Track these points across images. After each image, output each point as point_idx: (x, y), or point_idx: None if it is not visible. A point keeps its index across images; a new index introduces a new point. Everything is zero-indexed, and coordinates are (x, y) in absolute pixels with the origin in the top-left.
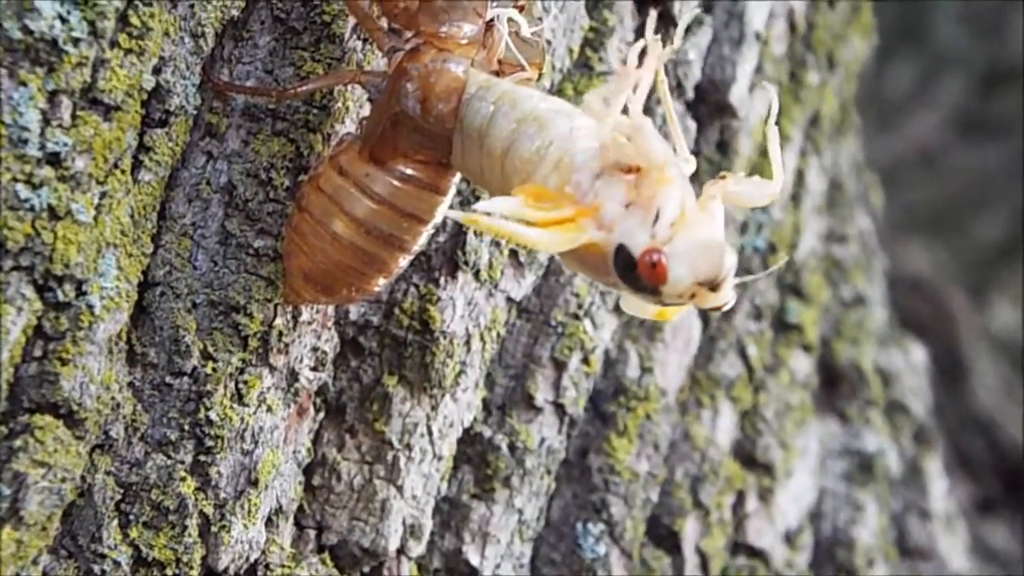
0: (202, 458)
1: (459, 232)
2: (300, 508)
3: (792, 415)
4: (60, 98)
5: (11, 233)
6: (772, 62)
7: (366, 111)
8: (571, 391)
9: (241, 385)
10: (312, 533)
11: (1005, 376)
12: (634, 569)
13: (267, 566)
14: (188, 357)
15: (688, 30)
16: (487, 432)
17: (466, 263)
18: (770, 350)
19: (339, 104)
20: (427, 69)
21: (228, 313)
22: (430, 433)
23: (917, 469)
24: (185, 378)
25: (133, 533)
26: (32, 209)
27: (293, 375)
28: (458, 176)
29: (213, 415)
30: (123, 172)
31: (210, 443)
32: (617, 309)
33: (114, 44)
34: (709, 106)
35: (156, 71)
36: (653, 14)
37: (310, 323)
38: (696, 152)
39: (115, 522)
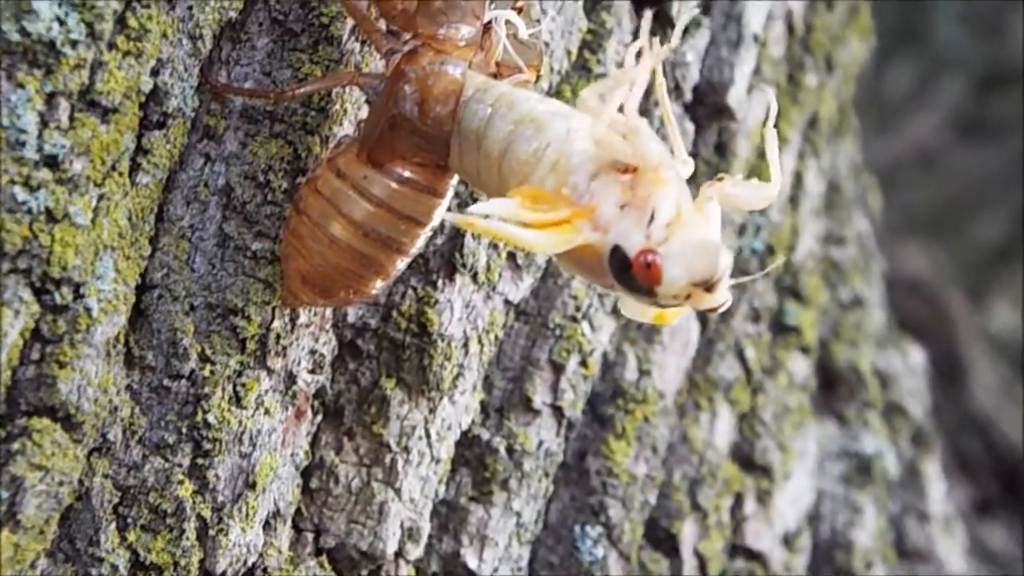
0: (200, 461)
1: (457, 235)
2: (298, 511)
3: (790, 417)
4: (58, 100)
5: (8, 236)
6: (770, 64)
7: (364, 113)
8: (569, 394)
9: (239, 388)
10: (310, 536)
11: (1004, 377)
12: (632, 572)
13: (265, 569)
14: (186, 360)
15: (686, 31)
16: (485, 435)
17: (464, 266)
18: (768, 352)
19: (337, 106)
20: (425, 71)
21: (226, 316)
22: (428, 436)
23: (915, 471)
24: (183, 381)
25: (131, 536)
26: (30, 212)
27: (291, 378)
28: (456, 178)
29: (211, 418)
30: (121, 174)
31: (208, 446)
32: (615, 311)
33: (112, 46)
34: (707, 108)
35: (154, 73)
36: (648, 14)
37: (308, 326)
38: (694, 154)
39: (113, 525)
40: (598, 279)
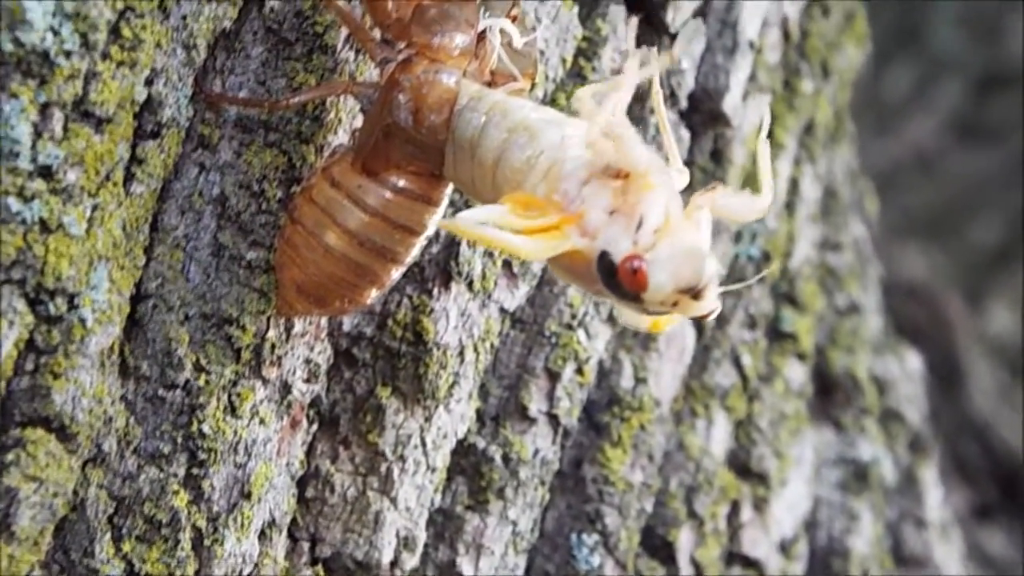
0: (195, 471)
1: (452, 243)
2: (293, 521)
3: (787, 424)
4: (52, 111)
5: (2, 246)
6: (766, 71)
7: (359, 122)
8: (565, 401)
9: (234, 397)
10: (305, 546)
11: (1002, 381)
12: None
13: None
14: (181, 370)
15: (680, 39)
16: (481, 443)
17: (459, 274)
18: (764, 359)
19: (331, 115)
20: (419, 80)
21: (221, 325)
22: (424, 444)
23: (912, 477)
24: (178, 391)
25: (126, 547)
26: (23, 222)
27: (286, 387)
28: (451, 187)
29: (206, 428)
30: (115, 184)
31: (203, 456)
32: (611, 319)
33: (106, 56)
34: (703, 115)
35: (148, 83)
36: (634, 21)
37: (303, 335)
38: (690, 161)
39: (108, 536)
40: (588, 285)
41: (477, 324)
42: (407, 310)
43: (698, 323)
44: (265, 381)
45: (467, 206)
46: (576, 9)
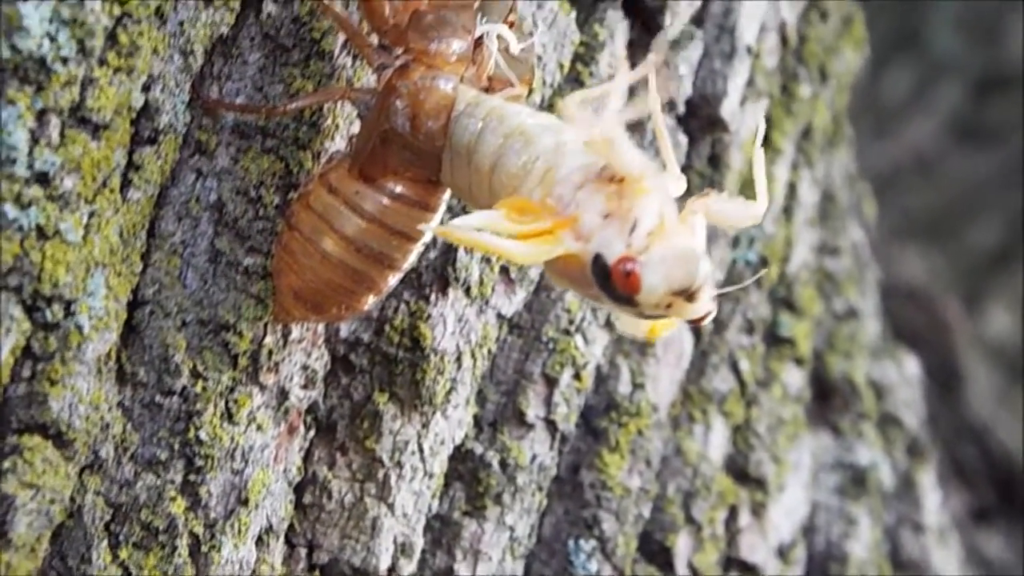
0: (192, 477)
1: (449, 249)
2: (291, 527)
3: (785, 429)
4: (49, 117)
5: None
6: (764, 75)
7: (356, 128)
8: (562, 407)
9: (231, 404)
10: (303, 552)
11: (999, 384)
12: None
13: None
14: (178, 376)
15: (677, 44)
16: (478, 449)
17: (456, 280)
18: (762, 364)
19: (329, 121)
20: (416, 86)
21: (218, 331)
22: (421, 450)
23: (910, 482)
24: (175, 397)
25: (123, 554)
26: (20, 229)
27: (283, 393)
28: (448, 193)
29: (203, 434)
30: (112, 191)
31: (200, 462)
32: (608, 324)
33: (103, 62)
34: (700, 120)
35: (145, 89)
36: (623, 26)
37: (300, 341)
38: (687, 166)
39: (105, 543)
40: (584, 290)
41: (474, 330)
42: (404, 316)
43: (696, 328)
44: (262, 387)
45: (464, 212)
46: (573, 14)
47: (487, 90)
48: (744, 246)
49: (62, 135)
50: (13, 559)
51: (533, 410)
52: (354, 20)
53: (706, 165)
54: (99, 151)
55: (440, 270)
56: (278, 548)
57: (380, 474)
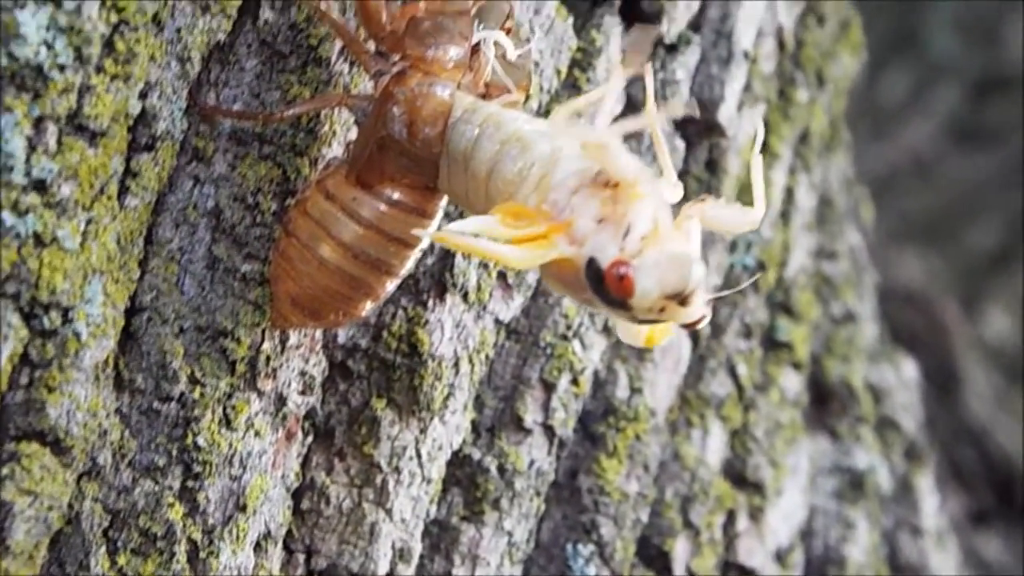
0: (190, 484)
1: (447, 255)
2: (289, 532)
3: (782, 433)
4: (46, 124)
5: None
6: (761, 80)
7: (353, 135)
8: (560, 412)
9: (229, 410)
10: (301, 557)
11: (998, 386)
12: None
13: None
14: (175, 382)
15: (674, 48)
16: (476, 454)
17: (454, 285)
18: (760, 368)
19: (326, 128)
20: (413, 93)
21: (215, 338)
22: (419, 456)
23: (908, 486)
24: (173, 403)
25: (121, 560)
26: (18, 236)
27: (281, 399)
28: (445, 200)
29: (201, 440)
30: (109, 198)
31: (198, 468)
32: (606, 329)
33: (100, 70)
34: (697, 125)
35: (142, 96)
36: (619, 31)
37: (298, 347)
38: (685, 171)
39: (103, 549)
40: (578, 294)
41: (472, 335)
42: (402, 322)
43: (693, 333)
44: (260, 393)
45: (462, 218)
46: (571, 20)
47: (484, 96)
48: (742, 250)
49: (59, 142)
50: (11, 566)
51: (531, 415)
52: (351, 26)
53: (703, 170)
54: (96, 158)
55: (438, 276)
56: (276, 554)
57: (378, 480)
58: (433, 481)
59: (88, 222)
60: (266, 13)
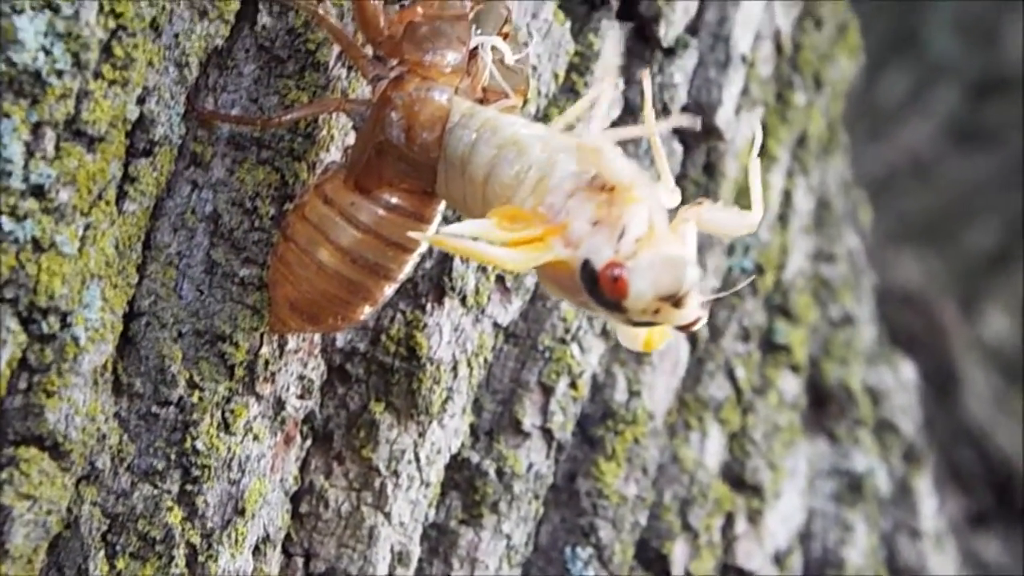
0: (189, 487)
1: (445, 259)
2: (288, 536)
3: (781, 436)
4: (44, 130)
5: None
6: (758, 84)
7: (351, 140)
8: (559, 415)
9: (227, 414)
10: (300, 561)
11: (997, 388)
12: None
13: None
14: (174, 386)
15: (672, 52)
16: (475, 458)
17: (452, 289)
18: (758, 371)
19: (324, 132)
20: (411, 98)
21: (214, 342)
22: (417, 459)
23: (907, 488)
24: (171, 407)
25: (120, 564)
26: (16, 241)
27: (280, 403)
28: (443, 204)
29: (200, 444)
30: (107, 203)
31: (197, 472)
32: (604, 333)
33: (98, 75)
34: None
35: (140, 101)
36: (615, 35)
37: (296, 351)
38: (683, 175)
39: (101, 553)
40: (574, 296)
41: (471, 339)
42: (400, 325)
43: (691, 336)
44: (259, 397)
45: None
46: (568, 24)
47: (482, 101)
48: (740, 253)
49: (57, 148)
50: (10, 570)
51: (529, 419)
52: (349, 31)
53: (701, 174)
54: (94, 163)
55: (436, 280)
56: (275, 557)
57: (377, 483)
58: (432, 485)
59: (86, 227)
60: (264, 18)
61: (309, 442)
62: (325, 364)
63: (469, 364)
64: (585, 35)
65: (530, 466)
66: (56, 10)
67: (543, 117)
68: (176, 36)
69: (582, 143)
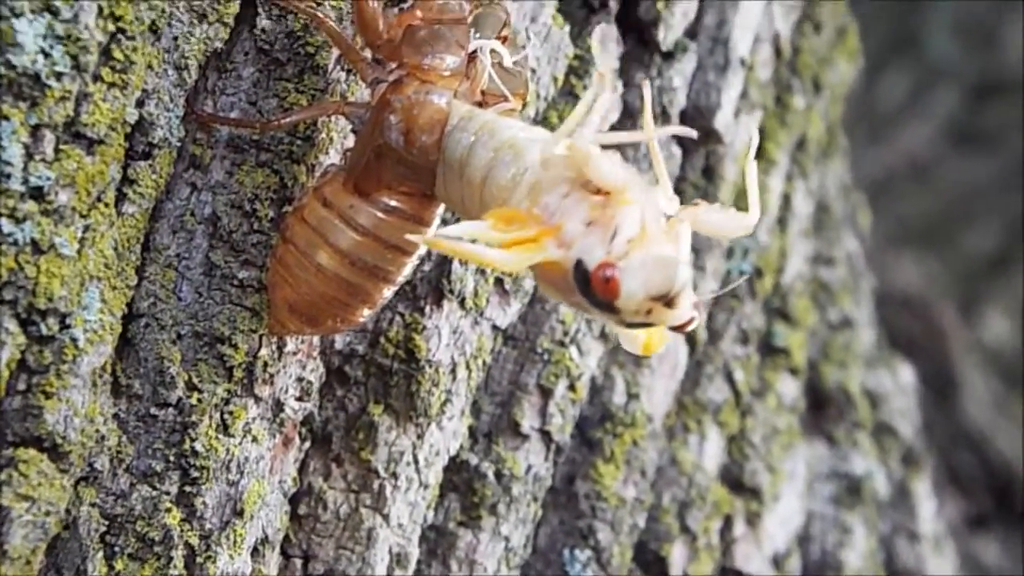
0: (187, 489)
1: (444, 261)
2: (286, 538)
3: (779, 439)
4: (43, 132)
5: None
6: (758, 87)
7: (350, 142)
8: (557, 418)
9: (226, 416)
10: (298, 563)
11: (996, 391)
12: None
13: None
14: (173, 388)
15: (671, 56)
16: (473, 460)
17: (451, 291)
18: (757, 374)
19: (323, 135)
20: (410, 101)
21: (213, 344)
22: (416, 462)
23: (905, 491)
24: (170, 409)
25: (118, 565)
26: (15, 243)
27: (278, 405)
28: (442, 207)
29: (198, 446)
30: (107, 205)
31: (195, 474)
32: (603, 335)
33: (97, 78)
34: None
35: (139, 104)
36: (612, 38)
37: (295, 353)
38: (682, 178)
39: (100, 554)
40: (567, 297)
41: (469, 341)
42: (399, 328)
43: (690, 339)
44: (257, 399)
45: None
46: (567, 28)
47: (481, 104)
48: (738, 257)
49: (56, 150)
50: (9, 571)
51: (528, 421)
52: (348, 35)
53: (700, 177)
54: (93, 166)
55: (435, 282)
56: (273, 559)
57: (375, 485)
58: (430, 486)
59: (85, 229)
60: (263, 21)
61: (308, 444)
62: (324, 366)
63: (468, 366)
64: (584, 38)
65: (529, 468)
66: (55, 13)
67: (542, 120)
68: (175, 39)
69: (572, 148)
